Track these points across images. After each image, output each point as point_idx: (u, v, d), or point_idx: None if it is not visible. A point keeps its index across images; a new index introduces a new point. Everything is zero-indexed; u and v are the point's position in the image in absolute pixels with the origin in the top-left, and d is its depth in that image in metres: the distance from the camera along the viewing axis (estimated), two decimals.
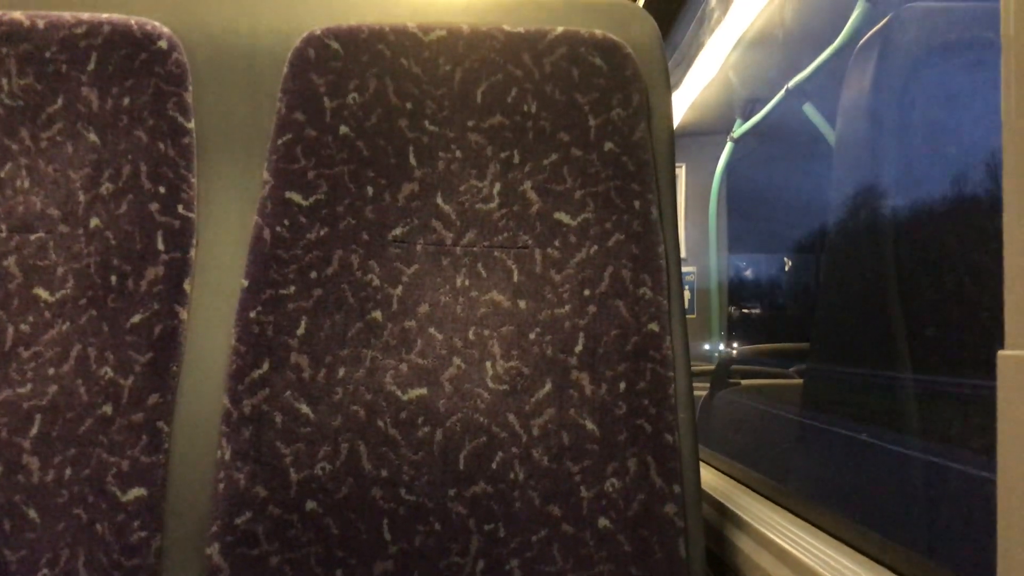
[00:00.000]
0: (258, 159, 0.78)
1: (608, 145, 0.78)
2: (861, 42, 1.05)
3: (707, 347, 2.17)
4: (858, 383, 1.01)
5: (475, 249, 0.77)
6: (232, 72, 0.81)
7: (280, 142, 0.77)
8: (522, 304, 0.76)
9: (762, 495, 0.95)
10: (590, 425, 0.73)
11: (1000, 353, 0.41)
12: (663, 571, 0.71)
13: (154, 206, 0.76)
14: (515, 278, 0.76)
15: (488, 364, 0.75)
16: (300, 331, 0.74)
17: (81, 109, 0.78)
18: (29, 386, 0.73)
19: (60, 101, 0.78)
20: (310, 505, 0.71)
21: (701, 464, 0.80)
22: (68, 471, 0.71)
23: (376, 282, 0.76)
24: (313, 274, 0.75)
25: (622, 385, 0.74)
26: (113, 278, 0.75)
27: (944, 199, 0.88)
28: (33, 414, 0.72)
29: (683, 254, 0.85)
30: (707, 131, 2.17)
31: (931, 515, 0.85)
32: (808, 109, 1.46)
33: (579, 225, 0.77)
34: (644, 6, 1.50)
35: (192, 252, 0.77)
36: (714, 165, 2.18)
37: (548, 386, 0.74)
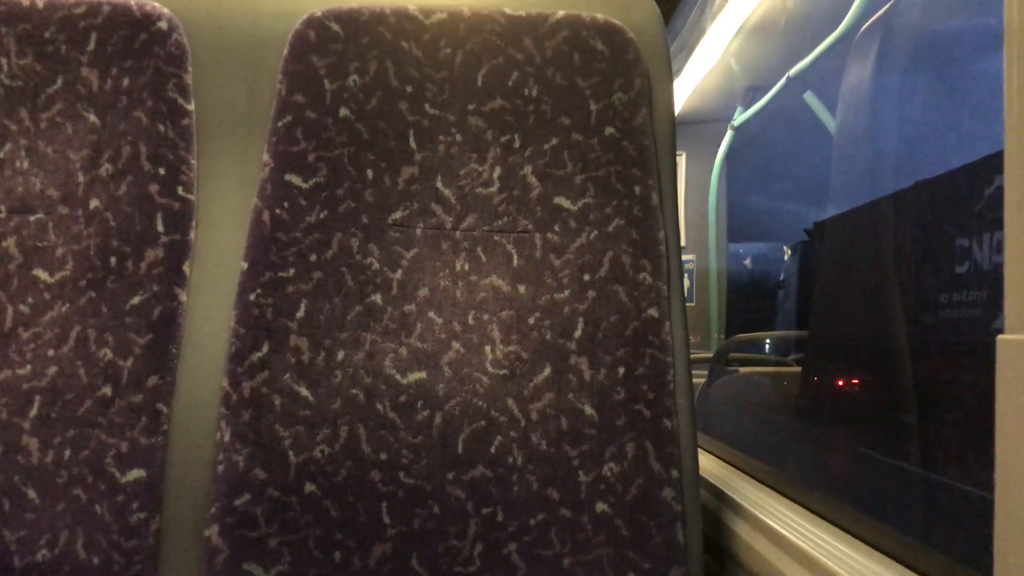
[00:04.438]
0: (258, 141, 0.78)
1: (609, 130, 0.78)
2: (863, 28, 1.05)
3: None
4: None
5: (475, 233, 0.77)
6: (232, 53, 0.80)
7: (280, 124, 0.77)
8: (522, 289, 0.76)
9: (760, 481, 0.95)
10: (589, 410, 0.73)
11: (1000, 338, 0.41)
12: (660, 556, 0.71)
13: (154, 188, 0.76)
14: (515, 263, 0.76)
15: (487, 348, 0.75)
16: (300, 314, 0.74)
17: (81, 90, 0.77)
18: (29, 367, 0.73)
19: (59, 82, 0.77)
20: (309, 488, 0.71)
21: (699, 450, 0.80)
22: (67, 452, 0.72)
23: (376, 266, 0.76)
24: (313, 257, 0.75)
25: (621, 370, 0.74)
26: (112, 260, 0.75)
27: (944, 187, 0.91)
28: (33, 395, 0.72)
29: (682, 243, 0.85)
30: (707, 119, 2.17)
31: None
32: (809, 97, 1.46)
33: (579, 210, 0.77)
34: None
35: (192, 234, 0.77)
36: (714, 154, 2.17)
37: (547, 371, 0.74)
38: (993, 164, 0.68)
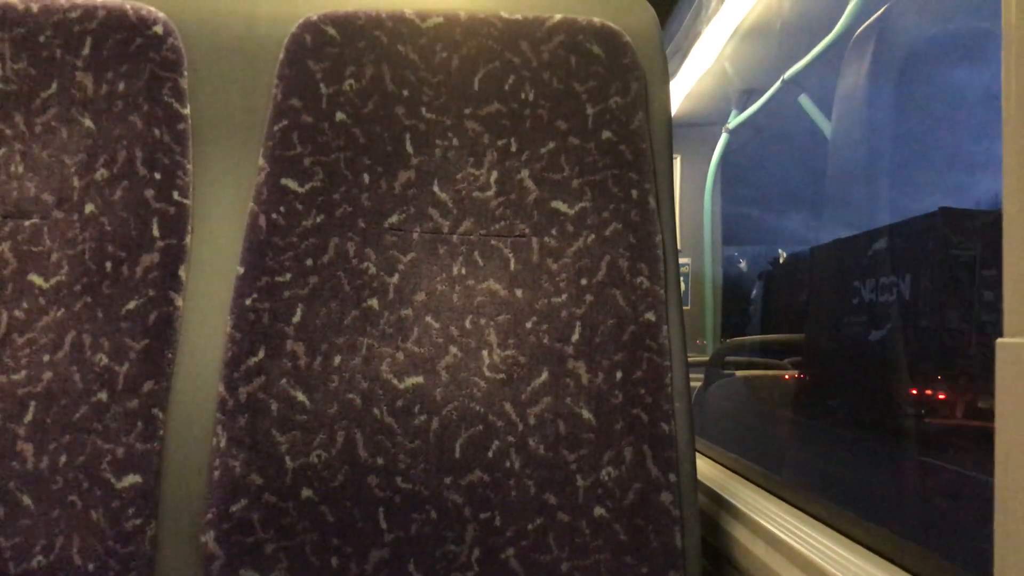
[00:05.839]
0: (254, 145, 0.78)
1: (606, 134, 0.78)
2: (858, 32, 1.05)
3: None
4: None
5: (472, 237, 0.77)
6: (228, 58, 0.80)
7: (276, 128, 0.77)
8: (519, 293, 0.76)
9: (758, 485, 0.95)
10: (586, 414, 0.73)
11: (999, 341, 0.41)
12: (658, 560, 0.71)
13: (149, 192, 0.76)
14: (512, 267, 0.76)
15: (485, 353, 0.74)
16: (296, 319, 0.74)
17: (76, 94, 0.77)
18: (24, 372, 0.73)
19: (54, 86, 0.77)
20: (305, 493, 0.71)
21: (696, 454, 0.80)
22: (63, 458, 0.71)
23: (372, 270, 0.76)
24: (309, 261, 0.75)
25: (619, 374, 0.74)
26: (108, 264, 0.75)
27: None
28: (28, 401, 0.72)
29: (679, 245, 0.85)
30: (702, 122, 2.17)
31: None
32: (804, 100, 1.46)
33: (576, 214, 0.77)
34: None
35: (187, 239, 0.77)
36: (709, 157, 2.18)
37: (544, 375, 0.74)
38: (875, 233, 1.02)
